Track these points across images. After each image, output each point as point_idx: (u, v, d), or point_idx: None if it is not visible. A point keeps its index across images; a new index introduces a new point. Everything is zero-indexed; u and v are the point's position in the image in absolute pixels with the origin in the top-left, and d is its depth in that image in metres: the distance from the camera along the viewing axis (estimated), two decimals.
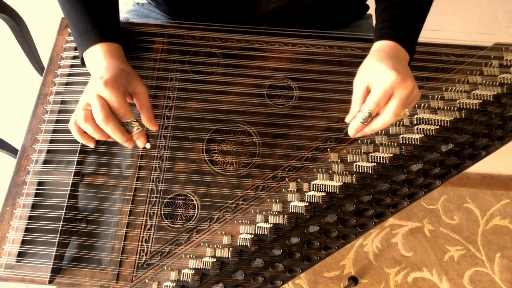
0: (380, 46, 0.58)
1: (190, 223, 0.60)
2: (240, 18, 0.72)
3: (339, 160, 0.62)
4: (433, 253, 1.34)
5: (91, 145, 0.54)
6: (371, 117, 0.53)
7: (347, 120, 0.56)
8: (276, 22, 0.71)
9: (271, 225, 0.58)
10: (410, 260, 1.33)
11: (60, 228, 0.58)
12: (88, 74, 0.67)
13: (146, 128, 0.55)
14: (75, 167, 0.61)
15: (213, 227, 0.59)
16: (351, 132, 0.55)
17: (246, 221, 0.59)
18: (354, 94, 0.55)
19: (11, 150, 1.00)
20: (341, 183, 0.60)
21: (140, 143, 0.53)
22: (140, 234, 0.59)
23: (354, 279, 1.29)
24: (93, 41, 0.58)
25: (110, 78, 0.52)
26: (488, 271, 1.32)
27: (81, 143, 0.63)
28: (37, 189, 0.61)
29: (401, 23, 0.59)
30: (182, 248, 0.58)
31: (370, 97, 0.52)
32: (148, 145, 0.55)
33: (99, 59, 0.57)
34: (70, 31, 0.72)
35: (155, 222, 0.60)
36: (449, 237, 1.37)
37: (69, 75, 0.69)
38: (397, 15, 0.59)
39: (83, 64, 0.61)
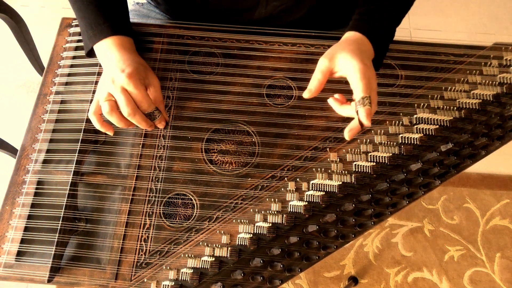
0: (353, 37, 0.59)
1: (189, 222, 0.60)
2: (240, 19, 0.73)
3: (338, 159, 0.62)
4: (433, 253, 1.34)
5: (110, 133, 0.59)
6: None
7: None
8: (276, 22, 0.71)
9: (270, 224, 0.58)
10: (410, 260, 1.33)
11: (59, 227, 0.58)
12: (88, 74, 0.68)
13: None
14: (75, 166, 0.62)
15: (212, 226, 0.59)
16: (367, 121, 0.54)
17: (245, 221, 0.59)
18: (318, 70, 0.56)
19: (11, 150, 1.00)
20: (340, 183, 0.60)
21: (162, 126, 0.62)
22: (139, 233, 0.59)
23: (354, 279, 1.29)
24: (105, 34, 0.59)
25: (133, 72, 0.55)
26: (488, 271, 1.32)
27: (81, 143, 0.63)
28: (36, 188, 0.61)
29: (375, 20, 0.61)
30: (181, 248, 0.58)
31: (359, 86, 0.53)
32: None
33: (112, 51, 0.59)
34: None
35: (154, 222, 0.60)
36: (449, 237, 1.37)
37: (69, 75, 0.69)
38: (373, 11, 0.61)
39: (89, 56, 0.63)
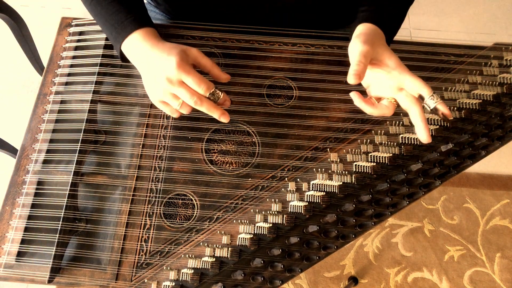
0: (368, 29, 0.58)
1: (190, 222, 0.60)
2: (244, 17, 0.72)
3: (338, 160, 0.62)
4: (433, 253, 1.34)
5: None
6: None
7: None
8: (278, 20, 0.71)
9: (271, 224, 0.58)
10: (410, 260, 1.33)
11: (59, 228, 0.58)
12: (88, 74, 0.68)
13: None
14: (75, 166, 0.62)
15: (213, 226, 0.59)
16: (449, 112, 0.53)
17: (245, 221, 0.59)
18: (360, 53, 0.53)
19: (11, 150, 1.00)
20: (341, 183, 0.60)
21: (228, 104, 0.59)
22: (139, 233, 0.59)
23: (354, 279, 1.29)
24: (129, 30, 0.58)
25: (178, 60, 0.55)
26: (488, 271, 1.32)
27: (81, 143, 0.63)
28: (36, 189, 0.61)
29: (384, 10, 0.61)
30: (181, 248, 0.58)
31: (418, 82, 0.53)
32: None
33: (142, 45, 0.58)
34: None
35: (155, 222, 0.60)
36: (449, 237, 1.37)
37: (69, 74, 0.69)
38: (380, 1, 0.62)
39: (122, 59, 0.62)
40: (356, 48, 0.54)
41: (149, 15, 0.65)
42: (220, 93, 0.57)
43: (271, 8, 0.72)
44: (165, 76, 0.55)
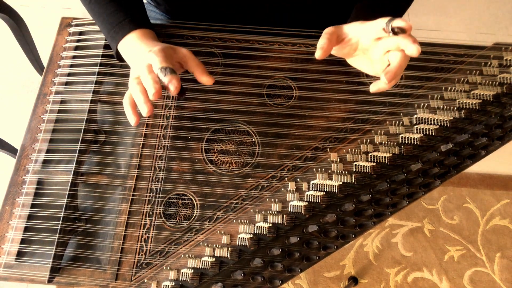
0: None
1: (189, 222, 0.60)
2: (244, 17, 0.72)
3: (338, 159, 0.62)
4: (433, 253, 1.34)
5: (133, 122, 0.53)
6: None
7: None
8: (278, 20, 0.71)
9: (270, 224, 0.58)
10: (410, 260, 1.33)
11: (59, 228, 0.58)
12: (88, 74, 0.68)
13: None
14: (75, 166, 0.62)
15: (212, 226, 0.59)
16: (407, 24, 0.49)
17: (245, 221, 0.59)
18: (324, 32, 0.53)
19: (11, 150, 1.00)
20: (341, 183, 0.60)
21: (172, 88, 0.50)
22: (139, 233, 0.59)
23: (354, 279, 1.29)
24: (127, 30, 0.59)
25: (157, 48, 0.54)
26: (488, 271, 1.32)
27: (81, 143, 0.63)
28: (36, 189, 0.61)
29: (377, 10, 0.62)
30: (181, 248, 0.58)
31: (374, 20, 0.52)
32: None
33: (137, 44, 0.58)
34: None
35: (154, 222, 0.60)
36: (449, 237, 1.37)
37: (69, 74, 0.69)
38: (374, 1, 0.63)
39: (118, 58, 0.62)
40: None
41: (148, 16, 0.65)
42: (169, 71, 0.51)
43: (271, 8, 0.72)
44: (144, 61, 0.54)
